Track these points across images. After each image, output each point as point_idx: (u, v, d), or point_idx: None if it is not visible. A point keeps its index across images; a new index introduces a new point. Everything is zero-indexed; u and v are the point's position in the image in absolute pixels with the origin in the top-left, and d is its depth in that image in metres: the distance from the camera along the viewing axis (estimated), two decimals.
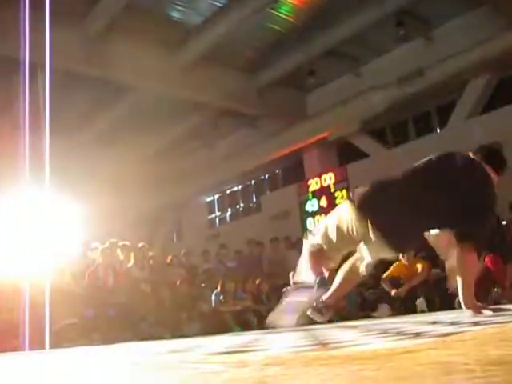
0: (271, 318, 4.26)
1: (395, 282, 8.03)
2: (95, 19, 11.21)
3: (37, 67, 7.08)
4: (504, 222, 9.90)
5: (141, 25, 11.39)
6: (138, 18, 11.22)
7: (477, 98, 12.45)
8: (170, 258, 11.38)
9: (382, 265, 9.64)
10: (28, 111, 6.70)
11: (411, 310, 7.71)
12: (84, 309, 8.68)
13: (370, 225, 3.93)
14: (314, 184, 15.06)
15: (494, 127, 11.66)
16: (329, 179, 14.72)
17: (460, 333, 2.42)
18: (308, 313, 4.25)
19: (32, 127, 6.78)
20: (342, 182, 14.46)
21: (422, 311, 7.57)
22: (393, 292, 7.91)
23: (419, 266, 8.08)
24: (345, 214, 4.15)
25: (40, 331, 7.20)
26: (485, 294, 7.43)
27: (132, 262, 10.23)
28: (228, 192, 19.30)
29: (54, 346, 7.32)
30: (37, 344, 7.30)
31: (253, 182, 18.34)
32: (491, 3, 11.52)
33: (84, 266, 9.46)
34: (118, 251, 10.13)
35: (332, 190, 14.60)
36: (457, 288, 4.08)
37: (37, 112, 6.88)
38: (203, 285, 10.47)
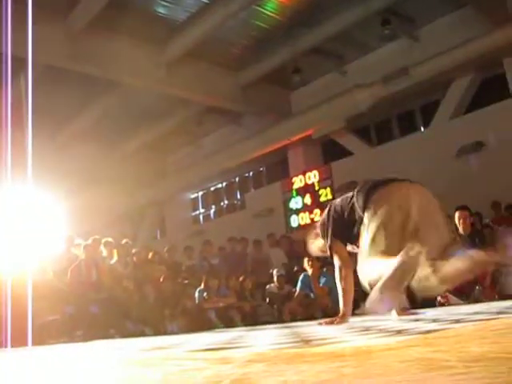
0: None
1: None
2: (79, 15, 11.13)
3: (19, 63, 7.02)
4: (487, 221, 10.02)
5: (126, 21, 11.31)
6: (122, 13, 11.14)
7: (461, 97, 12.54)
8: (151, 254, 11.34)
9: None
10: (10, 108, 6.64)
11: None
12: (66, 305, 8.63)
13: None
14: (298, 181, 15.08)
15: (477, 127, 11.76)
16: (313, 177, 14.74)
17: (441, 330, 2.44)
18: None
19: (14, 124, 6.72)
20: (326, 180, 14.50)
21: (405, 308, 7.59)
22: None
23: None
24: None
25: (22, 328, 7.15)
26: (467, 293, 7.50)
27: (115, 258, 10.19)
28: (212, 189, 19.29)
29: (35, 343, 7.27)
30: (18, 341, 7.25)
31: (237, 179, 18.34)
32: (475, 3, 11.60)
33: (66, 263, 9.40)
34: (101, 247, 10.08)
35: (316, 188, 14.63)
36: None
37: (19, 108, 6.82)
38: (186, 281, 10.44)
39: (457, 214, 7.57)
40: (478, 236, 7.56)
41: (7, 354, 5.03)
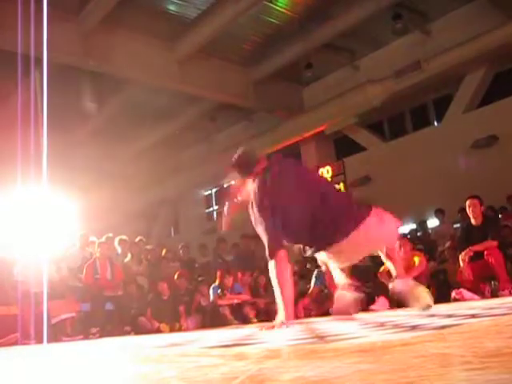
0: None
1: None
2: (91, 13, 11.18)
3: (34, 62, 7.06)
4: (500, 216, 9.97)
5: (137, 18, 11.36)
6: (134, 11, 11.19)
7: (474, 91, 12.45)
8: (165, 251, 11.39)
9: (378, 258, 9.68)
10: (25, 106, 6.69)
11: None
12: (81, 303, 8.69)
13: None
14: None
15: (491, 121, 11.69)
16: (326, 172, 14.71)
17: (456, 325, 2.43)
18: None
19: (29, 122, 6.77)
20: (339, 176, 14.47)
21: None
22: (390, 285, 7.89)
23: (416, 260, 8.07)
24: None
25: (38, 326, 7.21)
26: (482, 287, 7.46)
27: (129, 255, 10.25)
28: (225, 186, 19.27)
29: (51, 340, 7.33)
30: (35, 338, 7.31)
31: None
32: None
33: (81, 261, 9.46)
34: (116, 245, 10.14)
35: None
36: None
37: (34, 107, 6.86)
38: (200, 279, 10.48)
39: (467, 203, 7.57)
40: (490, 226, 7.52)
41: (24, 351, 5.07)
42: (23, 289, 7.80)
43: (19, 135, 6.83)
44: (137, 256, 10.33)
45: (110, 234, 10.00)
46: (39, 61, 6.89)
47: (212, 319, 9.21)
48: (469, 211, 7.56)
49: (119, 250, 10.22)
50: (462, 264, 7.32)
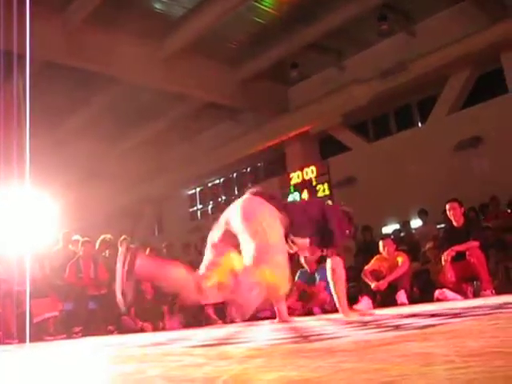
0: None
1: (376, 275, 8.05)
2: (76, 10, 11.11)
3: (16, 60, 7.00)
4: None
5: (123, 16, 11.29)
6: (119, 9, 11.13)
7: (458, 92, 12.53)
8: (148, 250, 11.34)
9: (363, 258, 9.71)
10: (8, 104, 6.63)
11: (391, 302, 7.75)
12: (64, 302, 8.64)
13: None
14: (295, 177, 15.08)
15: (475, 122, 11.77)
16: (311, 172, 14.75)
17: (439, 325, 2.45)
18: None
19: (12, 120, 6.71)
20: (324, 176, 14.51)
21: (402, 304, 7.61)
22: (373, 285, 7.93)
23: (400, 260, 8.11)
24: None
25: (20, 324, 7.15)
26: (464, 287, 7.51)
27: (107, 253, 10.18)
28: (210, 185, 19.28)
29: (34, 339, 7.27)
30: (17, 338, 7.25)
31: (235, 174, 18.34)
32: None
33: (64, 259, 9.40)
34: (99, 244, 10.08)
35: (314, 184, 14.63)
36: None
37: (17, 105, 6.80)
38: None
39: (447, 207, 7.64)
40: (472, 227, 7.59)
41: (7, 351, 5.04)
42: (5, 287, 7.74)
43: (2, 133, 6.77)
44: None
45: (104, 235, 10.00)
46: (22, 58, 6.84)
47: (196, 319, 9.18)
48: (449, 214, 7.62)
49: (103, 249, 10.15)
50: (444, 264, 7.37)
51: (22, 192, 7.48)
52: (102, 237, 10.23)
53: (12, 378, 1.97)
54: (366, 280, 8.12)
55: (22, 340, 6.94)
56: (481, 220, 9.75)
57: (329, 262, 4.53)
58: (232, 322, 7.66)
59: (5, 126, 6.88)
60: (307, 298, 8.77)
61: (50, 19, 10.98)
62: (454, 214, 7.55)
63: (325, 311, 8.05)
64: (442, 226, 10.20)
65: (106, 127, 15.72)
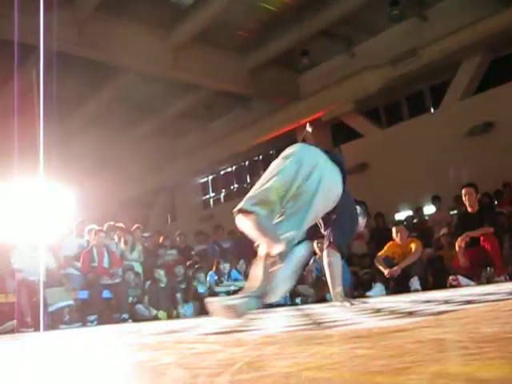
0: None
1: (389, 261, 8.05)
2: (86, 0, 11.11)
3: (29, 51, 7.03)
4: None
5: (132, 6, 11.29)
6: None
7: (470, 78, 12.42)
8: (161, 238, 11.40)
9: (375, 245, 9.70)
10: (21, 94, 6.66)
11: (405, 289, 7.75)
12: (78, 291, 8.71)
13: None
14: None
15: (488, 108, 11.68)
16: None
17: (453, 311, 2.44)
18: None
19: (25, 110, 6.74)
20: None
21: (416, 290, 7.61)
22: (386, 271, 7.94)
23: (413, 246, 8.10)
24: None
25: (35, 314, 7.23)
26: (478, 273, 7.50)
27: (127, 243, 10.24)
28: (222, 173, 19.30)
29: (49, 327, 7.35)
30: (32, 326, 7.33)
31: (247, 162, 18.34)
32: None
33: (78, 248, 9.46)
34: (113, 233, 10.14)
35: None
36: None
37: (30, 95, 6.83)
38: (197, 266, 10.50)
39: (463, 191, 7.61)
40: (486, 213, 7.56)
41: (23, 339, 5.09)
42: (20, 277, 7.82)
43: (16, 123, 6.81)
44: (134, 243, 10.32)
45: (108, 222, 10.02)
46: (35, 49, 6.86)
47: None
48: (464, 199, 7.60)
49: (116, 238, 10.20)
50: (458, 250, 7.36)
51: (36, 182, 7.53)
52: (115, 225, 10.28)
53: (30, 365, 1.99)
54: (379, 266, 8.12)
55: (36, 329, 7.02)
56: (495, 206, 9.70)
57: (325, 254, 4.36)
58: None
59: (19, 116, 6.92)
60: (321, 285, 8.78)
61: (60, 9, 10.97)
62: (469, 199, 7.53)
63: None
64: (455, 212, 10.16)
65: (118, 116, 15.76)
